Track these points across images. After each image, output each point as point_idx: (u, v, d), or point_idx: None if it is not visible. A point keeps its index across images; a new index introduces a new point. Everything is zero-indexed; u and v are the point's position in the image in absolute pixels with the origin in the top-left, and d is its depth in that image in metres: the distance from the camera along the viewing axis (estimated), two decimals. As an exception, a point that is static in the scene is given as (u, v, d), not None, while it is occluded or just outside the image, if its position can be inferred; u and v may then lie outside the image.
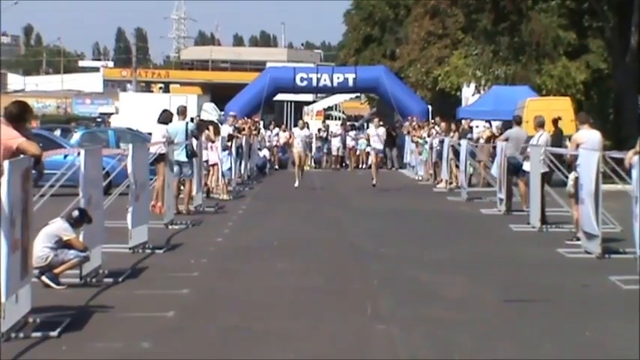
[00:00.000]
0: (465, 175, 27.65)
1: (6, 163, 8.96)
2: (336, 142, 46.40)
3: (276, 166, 42.86)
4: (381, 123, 33.45)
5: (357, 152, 46.32)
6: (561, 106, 32.93)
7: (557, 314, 11.04)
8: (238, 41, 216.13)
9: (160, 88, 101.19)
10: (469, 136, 31.15)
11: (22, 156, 9.65)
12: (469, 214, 23.26)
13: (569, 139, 19.04)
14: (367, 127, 51.85)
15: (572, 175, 16.96)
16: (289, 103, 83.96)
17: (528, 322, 10.56)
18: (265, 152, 41.21)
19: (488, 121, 38.09)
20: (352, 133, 48.35)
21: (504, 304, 11.78)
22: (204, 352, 9.19)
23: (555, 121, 21.33)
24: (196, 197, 22.25)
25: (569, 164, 18.33)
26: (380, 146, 31.82)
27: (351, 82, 49.61)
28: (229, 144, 28.07)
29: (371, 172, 31.11)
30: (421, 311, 11.08)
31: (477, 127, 36.52)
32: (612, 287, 12.67)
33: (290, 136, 42.37)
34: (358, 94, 74.83)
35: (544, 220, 19.35)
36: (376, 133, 31.66)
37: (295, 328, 10.17)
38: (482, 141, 30.48)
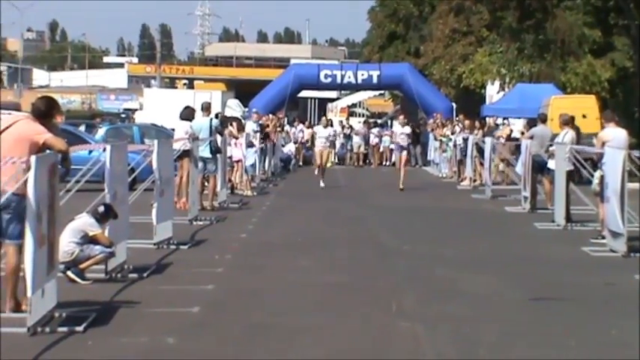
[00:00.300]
0: (489, 172, 27.57)
1: (33, 159, 9.01)
2: (358, 140, 46.40)
3: (301, 163, 42.86)
4: (406, 121, 32.66)
5: (381, 149, 46.30)
6: (586, 104, 32.87)
7: (583, 313, 11.01)
8: (262, 38, 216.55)
9: (185, 84, 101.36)
10: (494, 133, 31.04)
11: (48, 151, 9.71)
12: (493, 211, 23.20)
13: (595, 137, 18.92)
14: (391, 125, 51.82)
15: (597, 174, 16.89)
16: (313, 100, 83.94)
17: (553, 321, 10.52)
18: (291, 147, 41.27)
19: (506, 119, 38.05)
20: (375, 130, 48.20)
21: (529, 302, 11.74)
22: (229, 348, 9.20)
23: (572, 119, 21.29)
24: (220, 193, 22.30)
25: (595, 162, 18.26)
26: (405, 144, 30.70)
27: (375, 79, 49.47)
28: (254, 140, 28.16)
29: (398, 172, 29.84)
30: (445, 309, 11.07)
31: (504, 124, 36.30)
32: (638, 286, 12.60)
33: (313, 134, 42.29)
34: (382, 92, 74.73)
35: (569, 218, 19.30)
36: (402, 132, 30.78)
37: (320, 325, 10.15)
38: (502, 139, 30.22)
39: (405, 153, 30.30)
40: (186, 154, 19.69)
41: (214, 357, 8.86)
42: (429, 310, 11.08)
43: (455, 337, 9.68)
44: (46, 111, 10.23)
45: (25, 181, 9.04)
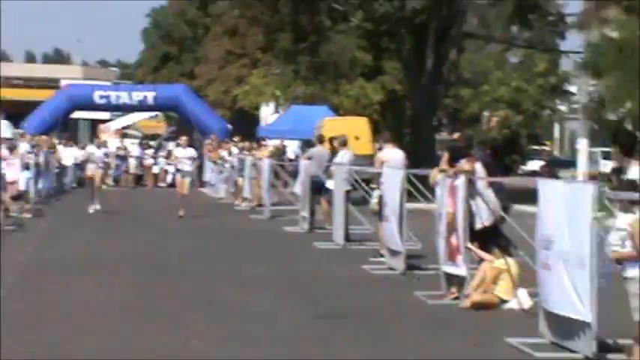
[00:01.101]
0: (267, 193, 27.77)
1: None
2: (133, 161, 45.96)
3: (75, 184, 41.84)
4: (189, 143, 30.49)
5: (156, 171, 45.99)
6: (358, 126, 33.67)
7: (365, 329, 11.21)
8: (30, 57, 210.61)
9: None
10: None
11: None
12: (273, 232, 23.35)
13: (374, 159, 19.47)
14: (164, 146, 51.39)
15: (376, 193, 17.30)
16: (85, 121, 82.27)
17: (338, 337, 10.68)
18: (69, 167, 40.42)
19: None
20: (150, 152, 47.84)
21: (314, 320, 11.87)
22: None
23: (330, 140, 21.98)
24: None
25: (368, 182, 18.73)
26: (190, 169, 28.12)
27: (151, 100, 48.88)
28: (29, 161, 27.31)
29: (179, 197, 27.37)
30: (234, 328, 11.05)
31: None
32: (417, 302, 12.99)
33: (86, 155, 41.43)
34: (156, 113, 74.20)
35: (347, 237, 19.68)
36: (185, 155, 28.06)
37: (110, 346, 9.92)
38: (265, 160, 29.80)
39: (188, 179, 27.48)
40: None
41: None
42: (218, 328, 11.03)
43: (247, 354, 9.69)
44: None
45: None
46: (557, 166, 53.83)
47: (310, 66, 40.95)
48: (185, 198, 27.18)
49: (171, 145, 42.13)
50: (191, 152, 28.84)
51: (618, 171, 9.63)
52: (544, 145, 69.40)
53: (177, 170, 28.94)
